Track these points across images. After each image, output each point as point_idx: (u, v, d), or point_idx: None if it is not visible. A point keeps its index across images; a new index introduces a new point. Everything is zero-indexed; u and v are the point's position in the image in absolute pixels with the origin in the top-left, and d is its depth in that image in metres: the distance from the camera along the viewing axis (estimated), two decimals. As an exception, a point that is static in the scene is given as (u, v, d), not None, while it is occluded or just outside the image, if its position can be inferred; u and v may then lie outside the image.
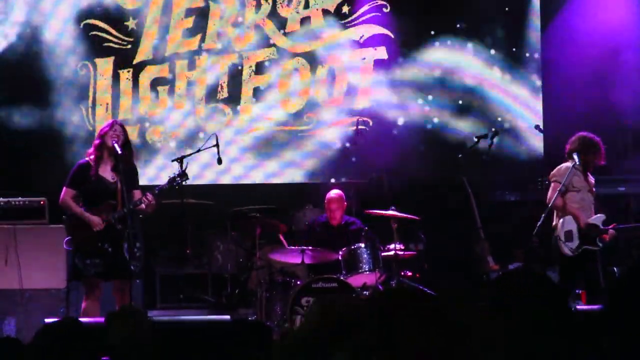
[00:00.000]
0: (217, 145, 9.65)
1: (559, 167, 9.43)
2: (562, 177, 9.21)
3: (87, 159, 8.86)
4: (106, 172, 8.81)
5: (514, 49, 12.63)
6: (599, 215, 9.38)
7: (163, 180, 9.22)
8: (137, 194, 8.81)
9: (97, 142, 8.84)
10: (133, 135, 12.02)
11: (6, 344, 4.27)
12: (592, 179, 9.52)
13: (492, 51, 12.58)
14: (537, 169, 12.06)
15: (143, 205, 8.72)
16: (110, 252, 8.64)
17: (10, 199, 10.38)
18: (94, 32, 12.16)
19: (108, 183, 8.77)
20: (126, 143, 8.84)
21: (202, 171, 12.02)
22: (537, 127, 11.65)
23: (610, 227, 9.29)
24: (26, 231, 10.21)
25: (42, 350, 3.93)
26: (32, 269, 10.11)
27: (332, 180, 11.97)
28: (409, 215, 10.22)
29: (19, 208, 10.33)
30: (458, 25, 12.55)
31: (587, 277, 9.27)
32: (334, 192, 10.81)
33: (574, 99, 12.12)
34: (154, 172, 12.05)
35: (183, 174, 8.88)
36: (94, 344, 3.96)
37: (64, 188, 8.82)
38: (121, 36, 12.22)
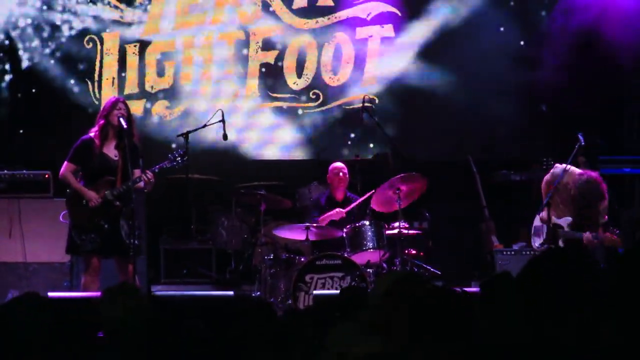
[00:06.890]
0: (222, 120, 9.63)
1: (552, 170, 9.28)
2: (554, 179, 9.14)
3: (90, 135, 8.78)
4: (110, 150, 8.75)
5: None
6: (567, 217, 9.20)
7: (166, 155, 9.16)
8: (137, 172, 8.74)
9: (101, 122, 8.72)
10: (138, 109, 12.05)
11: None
12: None
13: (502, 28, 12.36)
14: (541, 148, 11.95)
15: (142, 184, 8.68)
16: (106, 228, 8.60)
17: (14, 172, 10.37)
18: (101, 7, 12.15)
19: (110, 161, 8.70)
20: (130, 120, 8.78)
21: (207, 146, 12.01)
22: (542, 107, 11.58)
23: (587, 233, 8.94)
24: (30, 204, 10.22)
25: (6, 324, 3.95)
26: (36, 242, 10.13)
27: (338, 157, 11.93)
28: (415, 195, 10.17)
29: (23, 181, 10.33)
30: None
31: None
32: (337, 164, 10.76)
33: (581, 79, 12.00)
34: (158, 147, 12.04)
35: (184, 154, 8.85)
36: (66, 319, 3.97)
37: (65, 162, 8.73)
38: (129, 11, 12.19)
